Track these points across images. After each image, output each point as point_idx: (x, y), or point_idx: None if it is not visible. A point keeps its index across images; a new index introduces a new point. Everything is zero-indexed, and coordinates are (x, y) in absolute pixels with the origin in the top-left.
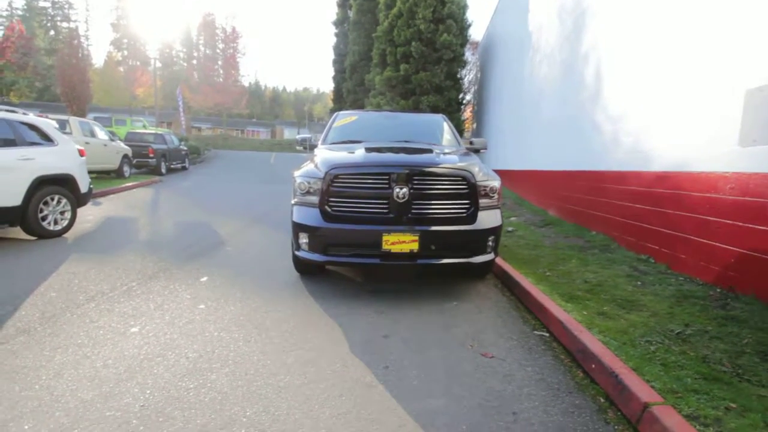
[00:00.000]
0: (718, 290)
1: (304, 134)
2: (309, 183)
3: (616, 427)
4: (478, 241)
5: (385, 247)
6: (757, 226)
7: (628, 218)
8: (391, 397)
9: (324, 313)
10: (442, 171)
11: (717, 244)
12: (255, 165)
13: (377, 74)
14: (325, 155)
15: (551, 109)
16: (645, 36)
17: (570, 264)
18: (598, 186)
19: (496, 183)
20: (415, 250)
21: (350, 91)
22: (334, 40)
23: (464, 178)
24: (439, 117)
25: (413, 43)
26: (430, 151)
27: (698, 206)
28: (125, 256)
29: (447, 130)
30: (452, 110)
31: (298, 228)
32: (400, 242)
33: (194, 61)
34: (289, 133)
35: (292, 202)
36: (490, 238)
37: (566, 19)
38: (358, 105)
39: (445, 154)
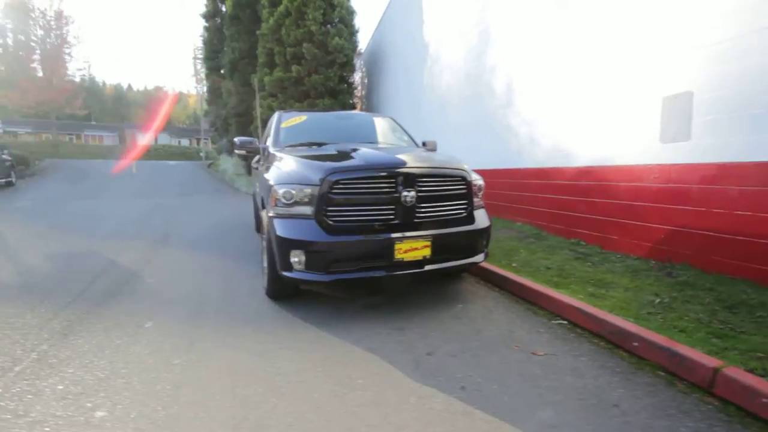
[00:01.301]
0: (653, 263)
1: (243, 137)
2: (296, 191)
3: (694, 395)
4: (478, 240)
5: (398, 256)
6: (680, 207)
7: (554, 209)
8: (499, 420)
9: (343, 341)
10: (444, 171)
11: (646, 224)
12: (118, 177)
13: (266, 74)
14: (304, 159)
15: (460, 115)
16: (565, 52)
17: (522, 254)
18: (520, 182)
19: (482, 181)
20: (428, 256)
21: (232, 91)
22: (203, 34)
23: (463, 178)
24: (389, 118)
25: (305, 45)
26: (411, 151)
27: (626, 194)
28: (3, 311)
29: (401, 130)
30: None
31: (288, 245)
32: (413, 249)
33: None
34: (145, 138)
35: (270, 214)
36: (486, 237)
37: (469, 33)
38: (246, 106)
39: (428, 153)
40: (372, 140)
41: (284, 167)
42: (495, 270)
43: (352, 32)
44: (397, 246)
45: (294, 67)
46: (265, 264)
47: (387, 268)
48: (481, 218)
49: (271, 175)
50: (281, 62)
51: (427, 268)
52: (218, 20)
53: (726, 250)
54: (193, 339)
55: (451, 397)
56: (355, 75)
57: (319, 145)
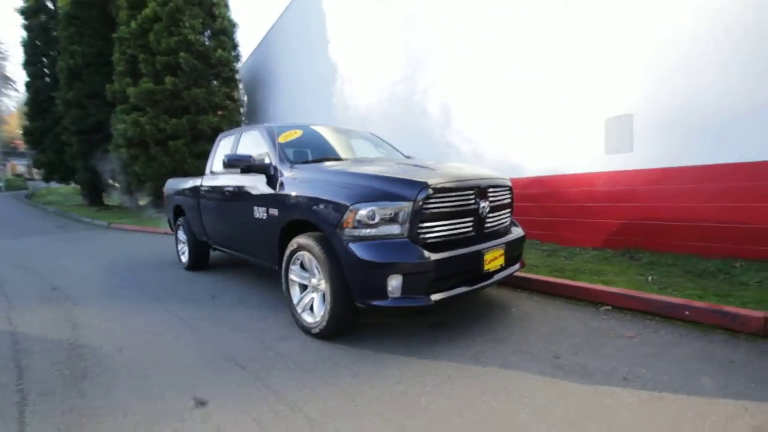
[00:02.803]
0: (609, 251)
1: (235, 153)
2: (382, 209)
3: (757, 342)
4: (522, 246)
5: (486, 267)
6: (629, 204)
7: None
8: (683, 396)
9: (461, 364)
10: (503, 182)
11: (597, 221)
12: None
13: (128, 85)
14: (373, 174)
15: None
16: (512, 78)
17: None
18: None
19: None
20: (503, 265)
21: (73, 103)
22: (22, 34)
23: (510, 187)
24: (370, 133)
25: (182, 54)
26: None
27: (576, 197)
28: None
29: (390, 146)
30: None
31: (384, 270)
32: (494, 259)
33: None
34: None
35: (344, 238)
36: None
37: (395, 54)
38: (98, 120)
39: (468, 165)
40: (375, 155)
41: (347, 184)
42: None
43: (235, 45)
44: (486, 257)
45: (168, 79)
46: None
47: (475, 280)
48: (518, 226)
49: (327, 194)
50: (149, 72)
51: (496, 277)
52: (44, 18)
53: (671, 234)
54: (279, 400)
55: (620, 388)
56: (240, 91)
57: (337, 161)
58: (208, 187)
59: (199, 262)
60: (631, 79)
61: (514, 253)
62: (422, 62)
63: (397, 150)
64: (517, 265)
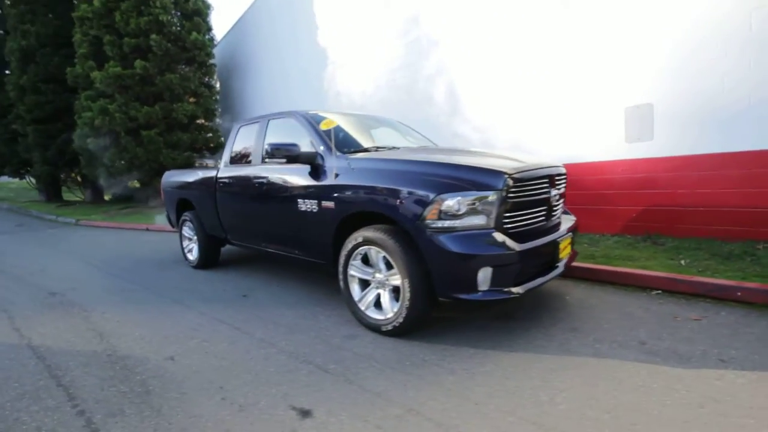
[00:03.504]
0: (629, 237)
1: (279, 142)
2: (469, 200)
3: None
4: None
5: (561, 256)
6: (648, 191)
7: None
8: None
9: (553, 356)
10: (563, 170)
11: (617, 207)
12: None
13: (92, 69)
14: (450, 163)
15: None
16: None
17: None
18: None
19: None
20: (569, 253)
21: (27, 88)
22: None
23: (566, 175)
24: (396, 121)
25: (153, 36)
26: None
27: (596, 185)
28: None
29: (419, 133)
30: (209, 121)
31: (475, 262)
32: (565, 248)
33: None
34: None
35: (428, 230)
36: None
37: (395, 41)
38: (56, 108)
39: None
40: (415, 143)
41: (427, 174)
42: None
43: (209, 28)
44: (560, 246)
45: (138, 62)
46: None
47: (548, 270)
48: (567, 213)
49: (405, 185)
50: (116, 55)
51: (565, 266)
52: None
53: (691, 220)
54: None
55: (724, 370)
56: (214, 77)
57: (387, 149)
58: (228, 178)
59: (210, 259)
60: (650, 69)
61: (572, 240)
62: (426, 49)
63: (426, 138)
64: (574, 253)
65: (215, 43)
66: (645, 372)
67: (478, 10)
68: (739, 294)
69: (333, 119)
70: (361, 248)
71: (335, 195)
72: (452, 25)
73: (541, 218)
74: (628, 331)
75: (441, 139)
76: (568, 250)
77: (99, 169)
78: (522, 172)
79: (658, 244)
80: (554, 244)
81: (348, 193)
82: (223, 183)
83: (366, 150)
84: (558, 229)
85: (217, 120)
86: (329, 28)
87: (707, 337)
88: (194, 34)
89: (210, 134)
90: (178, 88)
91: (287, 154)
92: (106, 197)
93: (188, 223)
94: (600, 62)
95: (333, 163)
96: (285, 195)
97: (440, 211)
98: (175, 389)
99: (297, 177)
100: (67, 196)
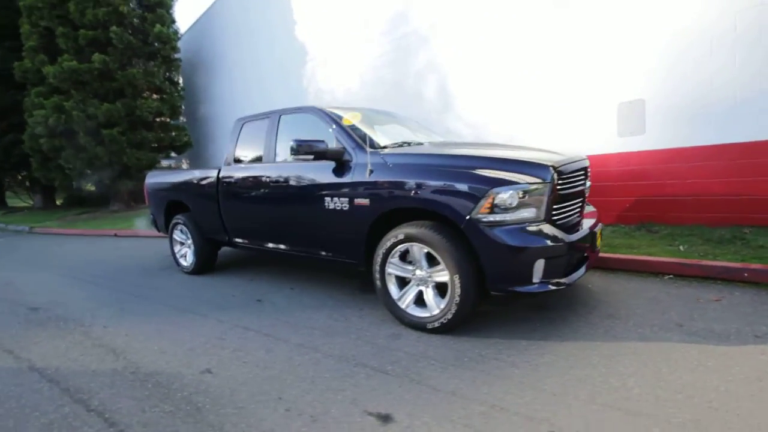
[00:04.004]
0: (624, 226)
1: (303, 138)
2: (521, 193)
3: None
4: None
5: (597, 245)
6: (640, 182)
7: None
8: None
9: (602, 343)
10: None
11: (611, 198)
12: None
13: (44, 63)
14: (494, 157)
15: None
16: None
17: None
18: None
19: None
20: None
21: None
22: None
23: None
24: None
25: (113, 28)
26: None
27: (591, 178)
28: None
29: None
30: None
31: (531, 254)
32: (599, 238)
33: None
34: None
35: (481, 224)
36: None
37: (382, 38)
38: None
39: None
40: (428, 137)
41: (474, 168)
42: None
43: (173, 21)
44: (597, 236)
45: (96, 56)
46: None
47: (585, 260)
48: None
49: (454, 179)
50: (71, 48)
51: (598, 256)
52: None
53: (681, 208)
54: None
55: (764, 345)
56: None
57: (411, 144)
58: (234, 178)
59: (207, 263)
60: (642, 67)
61: None
62: (415, 45)
63: (433, 131)
64: None
65: (179, 36)
66: (695, 352)
67: (470, 7)
68: (745, 275)
69: (357, 114)
70: (401, 245)
71: (371, 192)
72: (443, 22)
73: (577, 210)
74: (661, 314)
75: (402, 137)
76: (599, 240)
77: (53, 172)
78: (565, 164)
79: (653, 231)
80: (593, 236)
81: (386, 189)
82: (228, 183)
83: (396, 145)
84: (587, 220)
85: (182, 118)
86: (308, 23)
87: (734, 316)
88: (158, 26)
89: (175, 133)
90: (142, 83)
91: (314, 150)
92: (58, 202)
93: (181, 227)
94: (593, 60)
95: (365, 159)
96: (307, 193)
97: (493, 205)
98: (229, 404)
99: (321, 174)
100: (12, 202)
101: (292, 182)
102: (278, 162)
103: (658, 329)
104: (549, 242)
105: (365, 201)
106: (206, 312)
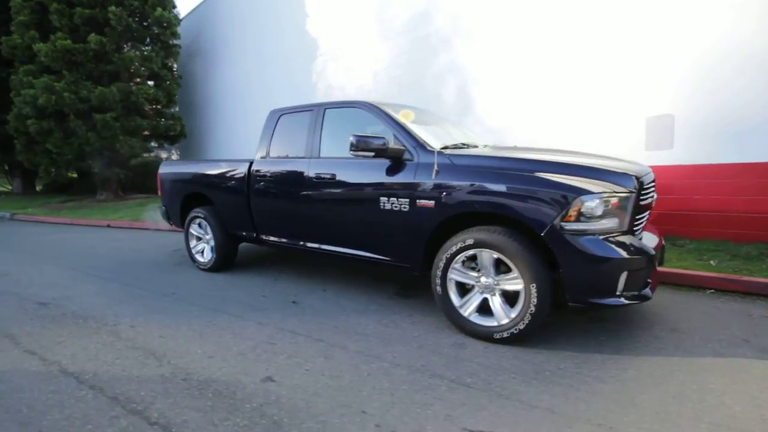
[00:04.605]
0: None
1: (363, 134)
2: (607, 201)
3: None
4: None
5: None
6: (663, 196)
7: None
8: None
9: (679, 359)
10: None
11: None
12: None
13: (35, 40)
14: (576, 164)
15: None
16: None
17: None
18: None
19: None
20: None
21: None
22: None
23: None
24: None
25: (112, 8)
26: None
27: None
28: None
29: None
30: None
31: (621, 266)
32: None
33: None
34: None
35: (565, 232)
36: None
37: (400, 38)
38: None
39: None
40: (472, 138)
41: (559, 174)
42: None
43: (174, 5)
44: (665, 249)
45: (92, 36)
46: None
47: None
48: None
49: (539, 185)
50: (65, 26)
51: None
52: None
53: (706, 223)
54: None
55: None
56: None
57: (466, 145)
58: (273, 172)
59: (227, 260)
60: (672, 82)
61: None
62: (435, 46)
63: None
64: None
65: (179, 21)
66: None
67: (498, 11)
68: None
69: (410, 112)
70: (468, 251)
71: (437, 193)
72: (467, 24)
73: (644, 221)
74: (722, 330)
75: (452, 137)
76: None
77: (39, 156)
78: (644, 175)
79: (678, 245)
80: (663, 248)
81: (455, 191)
82: (262, 177)
83: (455, 147)
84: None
85: (176, 108)
86: (320, 17)
87: None
88: (159, 9)
89: (171, 121)
90: (139, 68)
91: (373, 147)
92: (38, 188)
93: (200, 221)
94: (622, 72)
95: (430, 159)
96: (359, 192)
97: (579, 213)
98: (309, 417)
99: (375, 173)
100: None
101: (340, 180)
102: (323, 158)
103: (726, 344)
104: (634, 254)
105: (430, 203)
106: (240, 313)
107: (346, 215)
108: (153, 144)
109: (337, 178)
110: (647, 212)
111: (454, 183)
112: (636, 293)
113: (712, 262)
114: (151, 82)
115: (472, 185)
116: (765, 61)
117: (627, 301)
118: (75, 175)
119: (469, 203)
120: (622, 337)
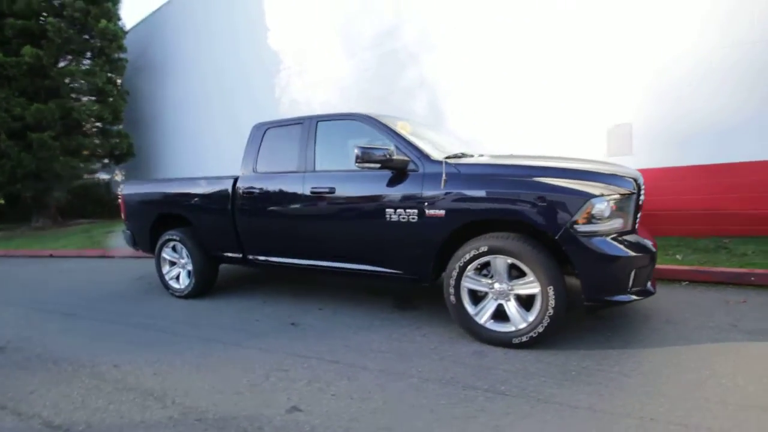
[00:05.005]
0: None
1: (366, 146)
2: (613, 203)
3: None
4: None
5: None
6: None
7: None
8: None
9: (686, 347)
10: None
11: None
12: None
13: None
14: (579, 168)
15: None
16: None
17: None
18: None
19: None
20: None
21: None
22: None
23: None
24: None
25: (50, 19)
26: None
27: None
28: None
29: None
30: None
31: (631, 264)
32: None
33: None
34: None
35: (579, 235)
36: None
37: (366, 52)
38: None
39: None
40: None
41: (567, 179)
42: None
43: (119, 18)
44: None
45: (27, 49)
46: None
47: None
48: None
49: (548, 190)
50: None
51: None
52: None
53: (664, 221)
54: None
55: None
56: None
57: (466, 155)
58: (263, 188)
59: (207, 285)
60: (632, 95)
61: None
62: (403, 61)
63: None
64: None
65: (125, 34)
66: None
67: (463, 26)
68: (752, 279)
69: (407, 123)
70: (482, 258)
71: (447, 203)
72: (434, 39)
73: (637, 221)
74: (709, 317)
75: (449, 147)
76: None
77: None
78: (638, 177)
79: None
80: (656, 247)
81: (466, 200)
82: (249, 194)
83: (454, 156)
84: None
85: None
86: (283, 31)
87: None
88: (103, 21)
89: (117, 139)
90: (81, 82)
91: (377, 158)
92: None
93: (174, 244)
94: (584, 85)
95: (436, 169)
96: (362, 205)
97: (590, 215)
98: None
99: (377, 185)
100: None
101: (340, 193)
102: (319, 171)
103: (719, 330)
104: (641, 252)
105: (440, 212)
106: (239, 341)
107: (347, 229)
108: (97, 164)
109: (337, 191)
110: (640, 212)
111: (465, 192)
112: (641, 289)
113: (678, 256)
114: (94, 98)
115: (483, 193)
116: (725, 74)
117: (635, 297)
118: (1, 201)
119: (481, 211)
120: (625, 332)
